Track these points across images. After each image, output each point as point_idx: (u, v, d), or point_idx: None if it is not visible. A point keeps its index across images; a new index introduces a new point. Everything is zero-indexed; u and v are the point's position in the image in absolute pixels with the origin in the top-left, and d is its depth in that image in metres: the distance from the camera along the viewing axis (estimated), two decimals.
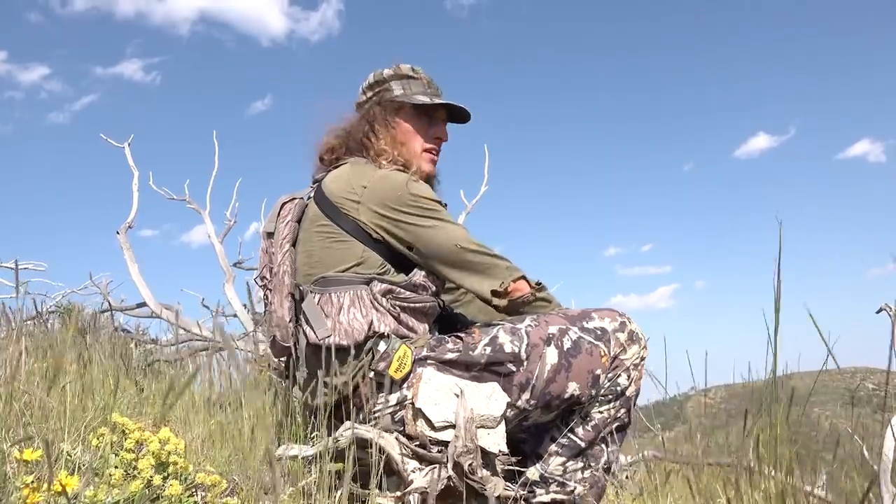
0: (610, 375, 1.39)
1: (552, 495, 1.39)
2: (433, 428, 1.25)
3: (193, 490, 1.10)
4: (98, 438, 1.12)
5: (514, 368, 1.35)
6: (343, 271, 1.38)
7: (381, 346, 1.35)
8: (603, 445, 1.41)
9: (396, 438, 1.28)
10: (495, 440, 1.27)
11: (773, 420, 1.04)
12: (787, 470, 1.02)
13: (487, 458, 1.26)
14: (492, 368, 1.35)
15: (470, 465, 1.20)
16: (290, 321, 1.41)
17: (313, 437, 1.35)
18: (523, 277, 1.43)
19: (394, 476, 1.27)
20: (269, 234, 1.50)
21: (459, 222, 1.45)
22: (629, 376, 1.40)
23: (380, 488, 1.22)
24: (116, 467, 1.04)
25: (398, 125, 1.53)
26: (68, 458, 1.12)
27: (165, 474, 1.06)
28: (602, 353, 1.39)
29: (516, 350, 1.36)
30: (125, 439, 1.09)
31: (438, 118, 1.58)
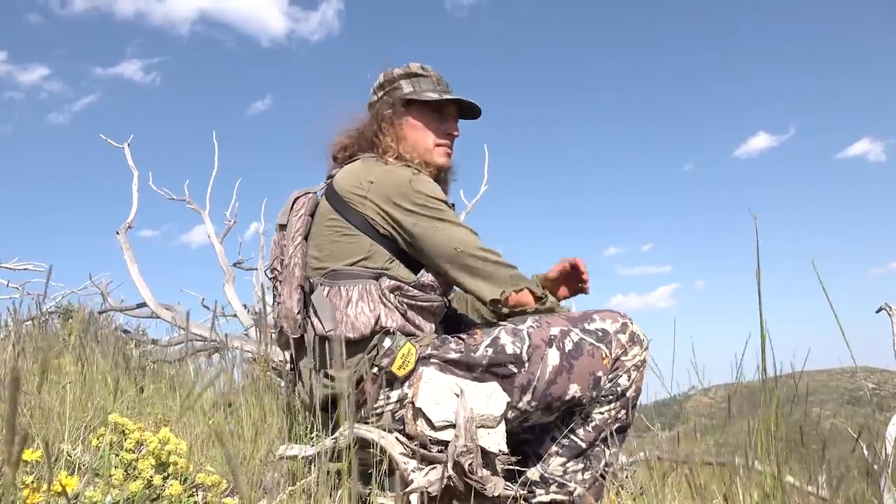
0: (611, 377, 1.39)
1: (552, 496, 1.39)
2: (433, 427, 1.25)
3: (193, 490, 1.10)
4: (98, 438, 1.12)
5: (515, 370, 1.35)
6: (351, 265, 1.38)
7: (387, 343, 1.35)
8: (603, 446, 1.40)
9: (396, 438, 1.28)
10: (495, 440, 1.27)
11: (765, 416, 1.04)
12: (778, 464, 1.02)
13: (487, 457, 1.26)
14: (493, 370, 1.35)
15: (470, 464, 1.20)
16: (297, 313, 1.41)
17: (313, 437, 1.35)
18: (528, 289, 1.41)
19: (394, 475, 1.27)
20: (282, 227, 1.51)
21: (467, 224, 1.44)
22: (630, 377, 1.40)
23: (381, 488, 1.22)
24: (116, 467, 1.04)
25: (406, 122, 1.53)
26: (68, 458, 1.12)
27: (165, 474, 1.06)
28: (603, 355, 1.38)
29: (518, 351, 1.35)
30: (125, 439, 1.09)
31: (449, 114, 1.57)
